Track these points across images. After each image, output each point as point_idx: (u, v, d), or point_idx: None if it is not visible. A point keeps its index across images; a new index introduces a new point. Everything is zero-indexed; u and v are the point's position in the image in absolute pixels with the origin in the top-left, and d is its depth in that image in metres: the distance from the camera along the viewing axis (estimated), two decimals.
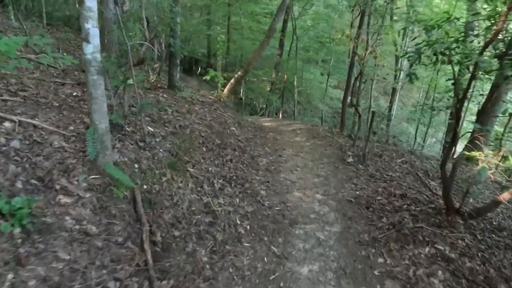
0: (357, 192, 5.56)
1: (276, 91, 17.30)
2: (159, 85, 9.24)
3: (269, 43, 10.02)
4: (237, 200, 4.81)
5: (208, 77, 9.89)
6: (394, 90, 18.60)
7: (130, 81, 4.83)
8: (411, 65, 4.45)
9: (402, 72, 18.21)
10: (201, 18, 21.15)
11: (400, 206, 5.17)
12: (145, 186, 4.15)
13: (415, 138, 17.02)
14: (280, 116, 15.17)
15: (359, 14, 9.38)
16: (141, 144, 4.83)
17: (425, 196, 5.72)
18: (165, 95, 8.04)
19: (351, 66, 10.64)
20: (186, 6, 19.74)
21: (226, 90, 9.78)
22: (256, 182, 5.50)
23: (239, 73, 9.86)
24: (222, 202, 4.65)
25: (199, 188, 4.71)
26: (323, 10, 17.23)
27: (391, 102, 18.62)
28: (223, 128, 7.51)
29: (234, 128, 8.06)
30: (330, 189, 5.63)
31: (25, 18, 9.33)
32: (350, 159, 7.14)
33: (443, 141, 14.60)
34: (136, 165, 4.34)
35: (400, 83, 18.82)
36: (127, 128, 4.97)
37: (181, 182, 4.61)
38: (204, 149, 5.84)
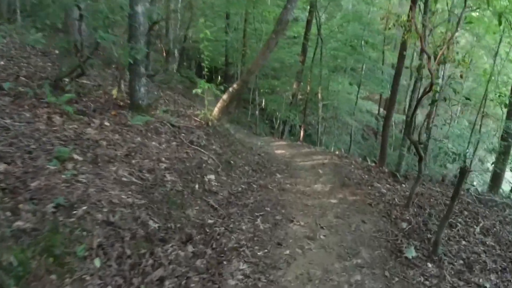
0: None
1: (300, 102, 13.65)
2: (121, 104, 5.92)
3: (277, 42, 6.40)
4: None
5: (198, 90, 6.45)
6: (434, 102, 14.46)
7: None
8: None
9: (442, 81, 14.13)
10: (222, 25, 17.99)
11: None
12: None
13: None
14: (301, 135, 11.47)
15: None
16: None
17: None
18: (106, 123, 4.67)
19: (396, 76, 6.85)
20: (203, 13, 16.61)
21: (216, 109, 6.27)
22: None
23: (235, 85, 6.27)
24: None
25: None
26: (353, 12, 13.44)
27: (428, 117, 14.51)
28: (188, 182, 4.01)
29: (212, 177, 4.54)
30: None
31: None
32: (412, 253, 3.43)
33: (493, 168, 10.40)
34: None
35: (441, 94, 14.68)
36: None
37: None
38: (100, 263, 2.37)
